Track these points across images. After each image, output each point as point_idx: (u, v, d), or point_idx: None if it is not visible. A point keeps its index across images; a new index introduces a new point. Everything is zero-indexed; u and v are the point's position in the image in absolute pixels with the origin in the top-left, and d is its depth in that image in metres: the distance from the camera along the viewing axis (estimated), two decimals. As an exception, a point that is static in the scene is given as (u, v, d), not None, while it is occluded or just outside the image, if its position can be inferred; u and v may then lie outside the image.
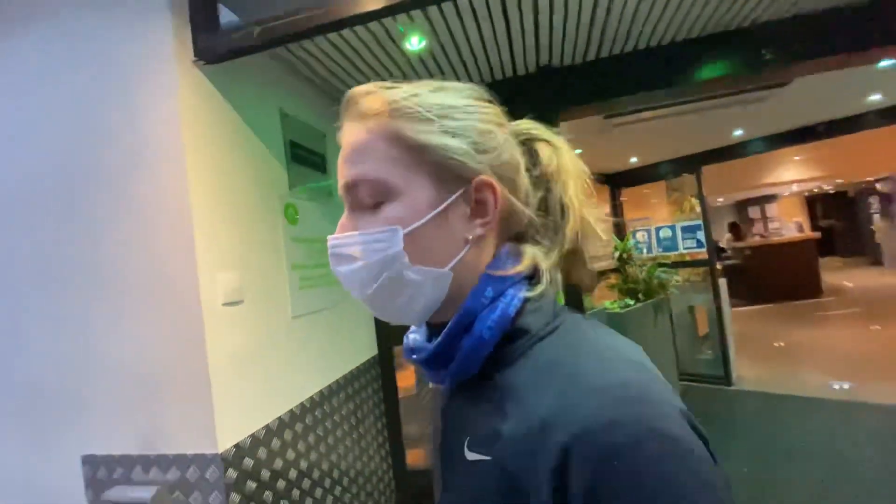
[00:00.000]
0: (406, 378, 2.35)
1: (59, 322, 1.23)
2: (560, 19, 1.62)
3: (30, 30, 1.25)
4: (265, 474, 1.27)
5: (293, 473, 1.40)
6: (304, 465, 1.45)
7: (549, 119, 1.83)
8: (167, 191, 1.14)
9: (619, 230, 4.90)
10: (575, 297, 1.97)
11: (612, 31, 1.74)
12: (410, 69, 1.85)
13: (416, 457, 2.24)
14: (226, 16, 1.23)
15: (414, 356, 0.47)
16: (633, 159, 4.48)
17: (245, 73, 1.41)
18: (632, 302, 3.79)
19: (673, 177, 4.46)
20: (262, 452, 1.27)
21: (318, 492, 1.51)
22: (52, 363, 1.24)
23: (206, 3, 1.22)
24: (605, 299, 4.06)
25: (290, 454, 1.40)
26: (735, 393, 3.76)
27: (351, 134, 0.45)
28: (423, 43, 1.64)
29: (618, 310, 3.61)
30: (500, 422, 0.38)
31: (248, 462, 1.21)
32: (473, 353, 0.41)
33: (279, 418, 1.36)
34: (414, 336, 0.50)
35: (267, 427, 1.30)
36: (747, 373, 4.06)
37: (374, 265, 0.42)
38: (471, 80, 1.92)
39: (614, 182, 4.93)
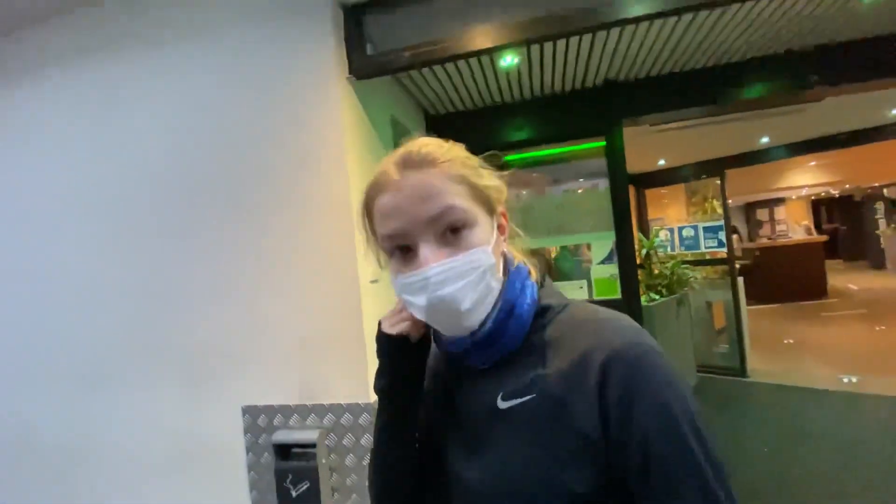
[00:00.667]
0: None
1: (228, 295, 1.47)
2: (626, 43, 1.84)
3: (217, 52, 1.48)
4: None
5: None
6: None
7: (613, 127, 2.06)
8: (331, 186, 1.38)
9: (645, 229, 5.15)
10: (630, 291, 2.22)
11: (671, 50, 1.96)
12: (495, 81, 2.08)
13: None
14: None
15: (453, 347, 0.57)
16: (662, 161, 4.71)
17: (371, 87, 1.63)
18: (656, 297, 4.04)
19: (696, 179, 4.70)
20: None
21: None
22: (221, 328, 1.48)
23: (357, 25, 1.45)
24: (626, 293, 4.32)
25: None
26: (750, 384, 4.03)
27: (417, 179, 0.53)
28: (516, 60, 1.86)
29: (644, 302, 3.86)
30: (542, 368, 0.52)
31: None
32: (520, 329, 0.55)
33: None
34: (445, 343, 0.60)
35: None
36: (760, 366, 4.33)
37: (477, 280, 0.52)
38: (550, 89, 2.14)
39: (640, 182, 5.15)
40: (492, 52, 1.51)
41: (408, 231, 0.53)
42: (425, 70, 1.85)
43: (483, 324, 0.54)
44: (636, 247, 4.54)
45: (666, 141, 3.84)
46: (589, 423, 0.47)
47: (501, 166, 0.61)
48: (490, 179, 0.58)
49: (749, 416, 3.41)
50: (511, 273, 0.57)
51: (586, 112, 2.28)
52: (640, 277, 4.35)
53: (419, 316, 0.55)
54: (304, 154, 1.41)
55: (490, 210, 0.57)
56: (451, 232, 0.52)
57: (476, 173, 0.56)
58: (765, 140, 4.18)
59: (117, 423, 1.58)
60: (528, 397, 0.51)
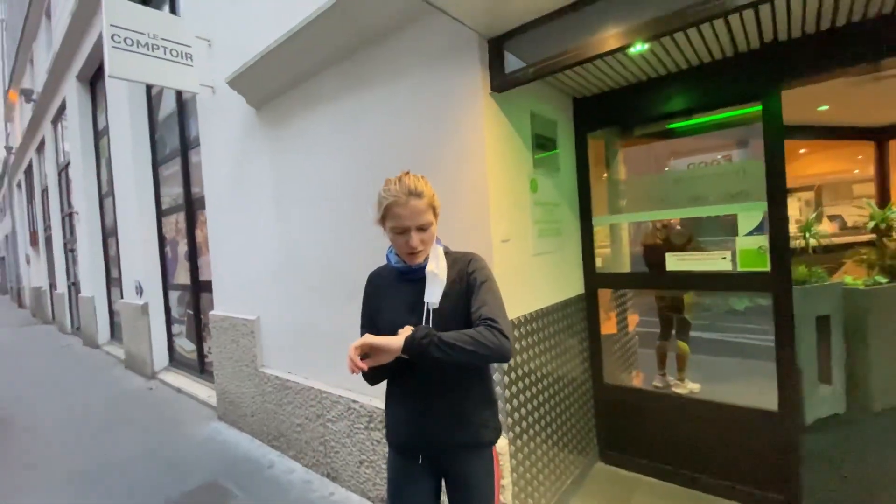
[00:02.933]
0: (608, 327, 2.92)
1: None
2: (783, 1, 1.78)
3: (402, 88, 2.23)
4: (517, 344, 2.08)
5: (528, 355, 2.18)
6: (527, 356, 2.22)
7: (769, 91, 2.06)
8: (476, 175, 1.97)
9: (884, 195, 4.08)
10: (781, 264, 2.14)
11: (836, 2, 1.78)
12: (633, 63, 2.27)
13: (614, 376, 2.82)
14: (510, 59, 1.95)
15: (406, 273, 1.31)
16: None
17: (510, 94, 2.11)
18: (884, 280, 3.32)
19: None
20: (516, 332, 2.07)
21: (532, 379, 2.27)
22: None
23: (498, 55, 1.96)
24: (851, 274, 3.63)
25: (529, 342, 2.18)
26: None
27: (420, 203, 1.23)
28: (646, 46, 2.04)
29: (859, 286, 3.26)
30: (448, 271, 1.29)
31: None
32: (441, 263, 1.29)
33: (523, 315, 2.14)
34: (398, 267, 1.33)
35: (517, 319, 2.09)
36: None
37: (436, 247, 1.31)
38: (697, 60, 2.20)
39: (881, 135, 4.07)
40: (612, 54, 1.79)
41: (407, 226, 1.23)
42: (560, 68, 2.22)
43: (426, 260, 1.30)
44: (866, 217, 3.73)
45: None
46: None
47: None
48: (437, 202, 1.30)
49: None
50: (436, 242, 1.33)
51: (739, 78, 2.22)
52: (865, 256, 3.62)
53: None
54: (461, 152, 2.03)
55: (436, 217, 1.29)
56: (422, 229, 1.25)
57: (435, 201, 1.29)
58: None
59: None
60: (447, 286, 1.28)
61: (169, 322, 5.91)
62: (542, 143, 2.35)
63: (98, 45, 6.28)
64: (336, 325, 2.75)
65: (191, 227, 5.12)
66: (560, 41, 1.84)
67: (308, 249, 2.93)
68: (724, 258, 2.33)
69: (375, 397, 2.51)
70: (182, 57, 3.56)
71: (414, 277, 1.30)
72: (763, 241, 2.20)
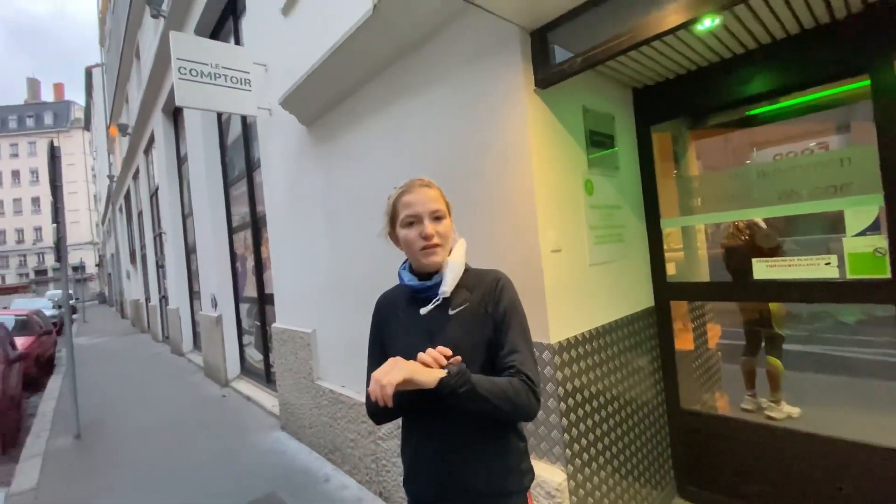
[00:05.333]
0: (684, 342, 2.59)
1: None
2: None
3: (445, 91, 2.13)
4: (574, 366, 1.87)
5: (588, 378, 1.95)
6: (587, 379, 1.99)
7: (880, 60, 1.69)
8: (522, 179, 1.80)
9: None
10: None
11: None
12: (701, 43, 1.99)
13: (693, 400, 2.48)
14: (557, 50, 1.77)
15: (421, 291, 1.14)
16: None
17: (559, 88, 1.93)
18: None
19: None
20: (572, 352, 1.86)
21: (595, 405, 2.03)
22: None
23: (542, 47, 1.79)
24: None
25: (588, 363, 1.95)
26: None
27: (430, 191, 1.15)
28: (716, 21, 1.77)
29: None
30: (469, 295, 1.12)
31: (564, 354, 1.82)
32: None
33: (580, 334, 1.92)
34: (411, 281, 1.17)
35: (573, 338, 1.88)
36: None
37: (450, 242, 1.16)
38: (782, 32, 1.89)
39: None
40: (672, 34, 1.56)
41: (419, 212, 1.12)
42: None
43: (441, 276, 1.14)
44: None
45: None
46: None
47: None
48: (448, 201, 1.21)
49: None
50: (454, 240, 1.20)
51: (840, 49, 1.86)
52: None
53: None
54: (501, 156, 1.88)
55: (449, 215, 1.18)
56: (437, 219, 1.13)
57: (446, 198, 1.19)
58: None
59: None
60: (464, 306, 1.12)
61: (240, 333, 6.26)
62: (598, 140, 2.13)
63: (177, 80, 6.90)
64: (385, 340, 2.69)
65: (257, 243, 5.39)
66: (612, 24, 1.63)
67: (356, 263, 2.91)
68: (828, 263, 1.96)
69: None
70: (241, 83, 3.75)
71: (428, 296, 1.12)
72: (880, 241, 1.81)
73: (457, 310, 1.10)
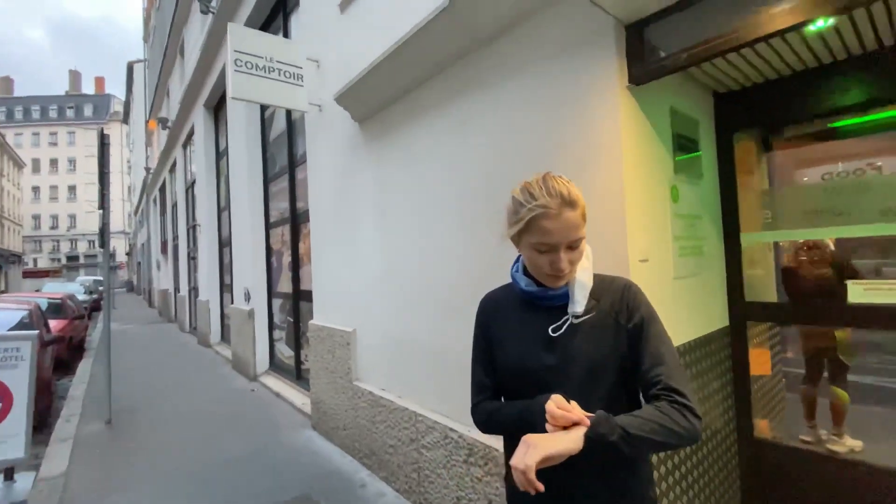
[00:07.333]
0: (760, 366, 2.41)
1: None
2: None
3: (524, 85, 2.03)
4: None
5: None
6: (676, 393, 1.84)
7: None
8: (611, 181, 1.69)
9: None
10: None
11: None
12: (802, 44, 1.85)
13: (762, 429, 2.30)
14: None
15: (541, 299, 1.03)
16: None
17: (649, 87, 1.81)
18: None
19: None
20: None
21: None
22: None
23: (638, 42, 1.68)
24: None
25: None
26: None
27: (573, 215, 0.93)
28: (830, 20, 1.63)
29: None
30: (596, 304, 1.01)
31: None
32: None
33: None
34: (531, 290, 1.04)
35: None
36: None
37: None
38: (890, 40, 1.75)
39: None
40: (781, 35, 1.44)
41: (556, 243, 0.94)
42: (710, 57, 1.87)
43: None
44: None
45: None
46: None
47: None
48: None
49: None
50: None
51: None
52: None
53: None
54: (586, 157, 1.77)
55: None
56: (572, 248, 0.97)
57: (585, 210, 0.98)
58: None
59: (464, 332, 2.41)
60: (592, 314, 1.01)
61: (271, 328, 6.27)
62: (684, 144, 2.00)
63: (222, 76, 7.01)
64: (435, 342, 2.59)
65: (294, 239, 5.38)
66: (715, 22, 1.51)
67: (409, 262, 2.83)
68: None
69: (475, 428, 2.28)
70: (294, 78, 3.74)
71: (550, 305, 1.02)
72: None
73: (582, 319, 0.99)
